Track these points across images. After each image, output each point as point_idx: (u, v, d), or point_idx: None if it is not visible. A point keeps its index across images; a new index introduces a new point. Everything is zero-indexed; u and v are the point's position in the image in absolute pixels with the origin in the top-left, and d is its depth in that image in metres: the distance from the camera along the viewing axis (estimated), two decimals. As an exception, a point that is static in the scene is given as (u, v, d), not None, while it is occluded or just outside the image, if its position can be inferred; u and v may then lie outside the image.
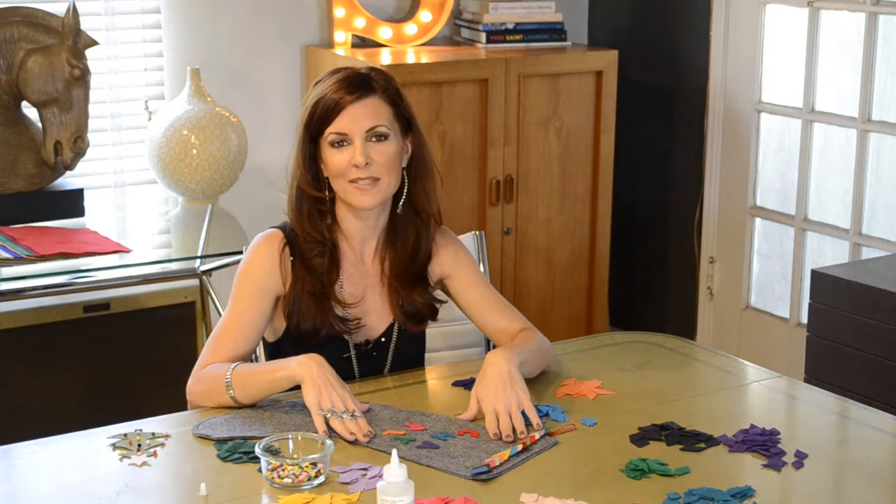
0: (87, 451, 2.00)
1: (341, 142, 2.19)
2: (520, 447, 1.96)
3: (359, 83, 2.20)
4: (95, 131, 3.69)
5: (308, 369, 2.06)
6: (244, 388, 2.11)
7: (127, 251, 3.11)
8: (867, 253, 3.80)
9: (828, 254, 3.99)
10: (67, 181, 3.45)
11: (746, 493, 1.83)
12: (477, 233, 2.70)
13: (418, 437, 2.01)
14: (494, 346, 2.40)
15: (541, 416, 2.09)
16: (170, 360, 3.38)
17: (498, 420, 2.03)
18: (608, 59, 4.12)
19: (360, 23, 4.12)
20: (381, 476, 1.71)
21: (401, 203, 2.27)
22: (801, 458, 1.96)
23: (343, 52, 4.04)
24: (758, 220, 4.23)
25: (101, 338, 3.37)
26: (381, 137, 2.19)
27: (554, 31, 4.28)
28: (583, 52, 4.20)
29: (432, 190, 2.30)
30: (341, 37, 4.10)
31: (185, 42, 3.94)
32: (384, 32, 4.15)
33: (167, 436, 2.02)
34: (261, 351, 2.36)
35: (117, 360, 3.40)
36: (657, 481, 1.87)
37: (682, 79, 4.37)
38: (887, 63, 3.73)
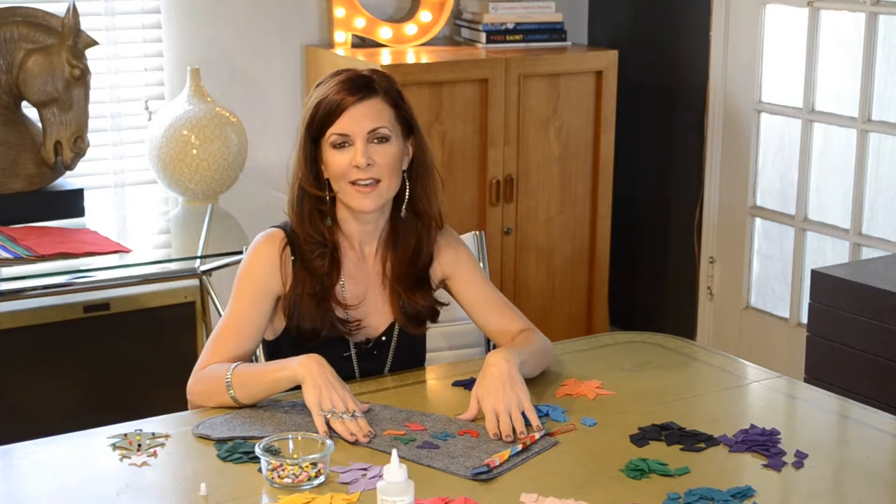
0: (87, 451, 2.00)
1: (343, 143, 2.19)
2: (520, 447, 1.96)
3: (361, 85, 2.20)
4: (95, 131, 3.69)
5: (309, 370, 2.06)
6: (244, 387, 2.11)
7: (127, 251, 3.11)
8: (867, 253, 3.80)
9: (828, 254, 3.99)
10: (67, 181, 3.45)
11: (746, 493, 1.83)
12: (477, 233, 2.70)
13: (418, 437, 2.01)
14: (495, 346, 2.40)
15: (541, 416, 2.09)
16: (170, 360, 3.38)
17: (498, 420, 2.03)
18: (608, 59, 4.12)
19: (360, 23, 4.12)
20: (381, 476, 1.71)
21: (403, 206, 2.27)
22: (801, 458, 1.96)
23: (343, 52, 4.04)
24: (758, 220, 4.23)
25: (101, 338, 3.37)
26: (383, 139, 2.19)
27: (554, 31, 4.28)
28: (583, 52, 4.20)
29: (433, 193, 2.31)
30: (341, 37, 4.10)
31: (185, 42, 3.94)
32: (384, 32, 4.15)
33: (167, 436, 2.02)
34: (260, 350, 2.36)
35: (117, 360, 3.40)
36: (657, 481, 1.87)
37: (682, 79, 4.37)
38: (887, 63, 3.73)
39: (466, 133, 3.95)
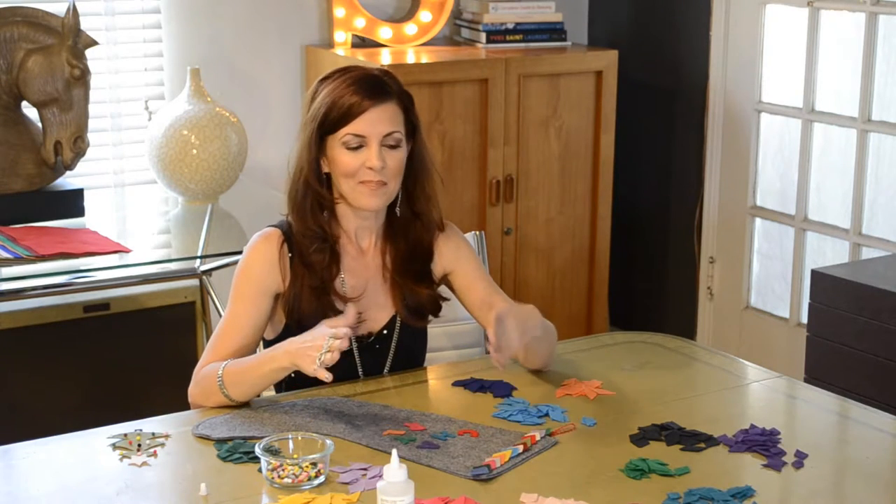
0: (87, 451, 2.00)
1: (358, 145, 2.19)
2: (521, 448, 1.96)
3: (377, 87, 2.20)
4: (95, 131, 3.69)
5: (289, 354, 2.06)
6: (236, 385, 2.11)
7: (127, 251, 3.11)
8: (867, 253, 3.80)
9: (828, 254, 3.99)
10: (67, 181, 3.45)
11: (746, 493, 1.83)
12: (477, 233, 2.70)
13: (418, 437, 2.01)
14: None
15: (541, 416, 2.10)
16: (170, 360, 3.38)
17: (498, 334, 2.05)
18: (608, 59, 4.12)
19: (360, 23, 4.12)
20: (381, 476, 1.71)
21: (398, 204, 2.28)
22: (801, 458, 1.96)
23: (343, 52, 4.04)
24: (758, 220, 4.23)
25: (101, 338, 3.37)
26: (395, 144, 2.21)
27: (554, 31, 4.28)
28: (583, 52, 4.20)
29: (432, 193, 2.31)
30: (341, 37, 4.10)
31: (185, 42, 3.94)
32: (384, 32, 4.15)
33: (167, 436, 2.02)
34: (261, 349, 2.36)
35: (117, 360, 3.39)
36: (657, 481, 1.87)
37: (682, 79, 4.37)
38: (887, 63, 3.73)
39: (466, 133, 3.95)
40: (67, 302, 3.30)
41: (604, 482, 1.87)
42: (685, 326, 4.43)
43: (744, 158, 4.19)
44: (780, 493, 1.88)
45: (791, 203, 4.07)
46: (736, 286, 4.29)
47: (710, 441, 2.02)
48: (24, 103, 3.35)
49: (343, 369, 2.17)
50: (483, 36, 4.18)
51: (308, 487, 1.83)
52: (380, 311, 2.30)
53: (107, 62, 3.84)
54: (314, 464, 1.84)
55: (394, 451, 1.70)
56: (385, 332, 2.31)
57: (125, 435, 2.02)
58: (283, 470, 1.83)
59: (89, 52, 3.33)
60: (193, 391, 2.16)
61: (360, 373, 2.30)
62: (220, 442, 1.99)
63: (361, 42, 4.17)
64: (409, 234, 2.30)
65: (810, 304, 3.29)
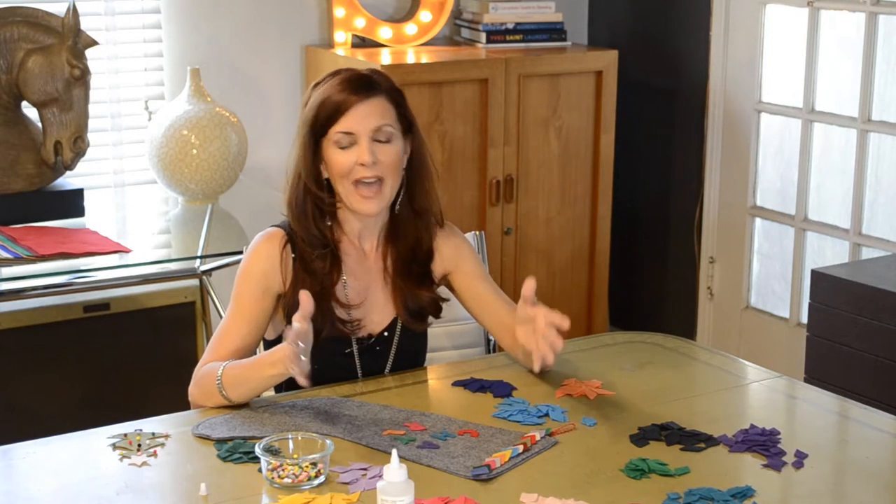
0: (87, 451, 1.99)
1: (348, 142, 2.19)
2: (521, 448, 1.96)
3: (363, 83, 2.20)
4: (95, 131, 3.69)
5: (283, 360, 2.03)
6: (235, 387, 2.10)
7: (127, 251, 3.11)
8: (867, 253, 3.80)
9: (828, 254, 3.99)
10: (67, 181, 3.45)
11: (746, 493, 1.83)
12: (477, 233, 2.70)
13: (418, 437, 2.01)
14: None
15: (541, 416, 2.10)
16: (170, 360, 3.38)
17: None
18: (608, 59, 4.12)
19: (360, 23, 4.12)
20: (381, 476, 1.71)
21: (398, 202, 2.28)
22: (801, 458, 1.96)
23: (343, 52, 4.04)
24: (758, 220, 4.23)
25: (101, 338, 3.37)
26: (387, 138, 2.20)
27: (554, 31, 4.28)
28: (583, 52, 4.20)
29: (432, 190, 2.31)
30: (341, 37, 4.10)
31: (185, 42, 3.94)
32: (384, 32, 4.15)
33: (167, 436, 2.02)
34: (261, 349, 2.36)
35: (117, 360, 3.39)
36: (657, 481, 1.87)
37: (682, 79, 4.37)
38: (887, 63, 3.73)
39: (466, 133, 3.95)
40: (67, 302, 3.30)
41: (604, 482, 1.87)
42: (685, 326, 4.43)
43: (744, 158, 4.19)
44: (780, 493, 1.88)
45: (791, 203, 4.07)
46: (736, 286, 4.29)
47: (710, 441, 2.02)
48: (24, 103, 3.35)
49: (343, 372, 2.17)
50: (483, 36, 4.18)
51: (308, 487, 1.83)
52: (381, 314, 2.30)
53: (107, 62, 3.84)
54: (314, 464, 1.84)
55: (394, 451, 1.70)
56: (385, 334, 2.31)
57: (125, 435, 2.02)
58: (283, 470, 1.83)
59: (89, 52, 3.34)
60: (193, 391, 2.16)
61: (359, 374, 2.30)
62: (220, 442, 1.99)
63: (361, 42, 4.17)
64: (409, 233, 2.30)
65: (810, 304, 3.29)
